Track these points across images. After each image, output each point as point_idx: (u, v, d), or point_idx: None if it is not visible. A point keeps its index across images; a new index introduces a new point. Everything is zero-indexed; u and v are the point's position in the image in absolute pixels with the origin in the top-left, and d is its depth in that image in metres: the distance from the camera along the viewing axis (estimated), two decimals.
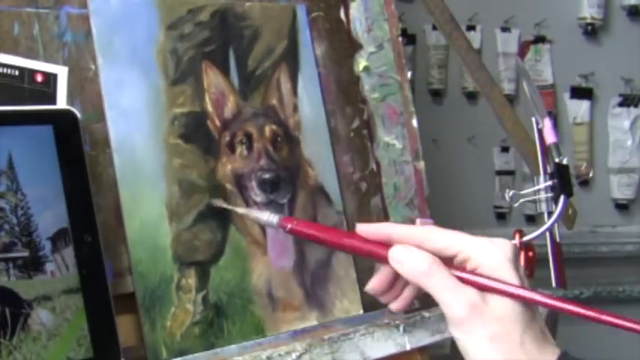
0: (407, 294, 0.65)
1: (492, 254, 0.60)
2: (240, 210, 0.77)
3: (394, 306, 0.66)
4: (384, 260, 0.62)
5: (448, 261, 0.61)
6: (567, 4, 1.99)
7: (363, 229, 0.64)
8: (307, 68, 0.89)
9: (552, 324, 0.98)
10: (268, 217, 0.68)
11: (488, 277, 0.59)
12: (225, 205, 0.78)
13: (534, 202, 0.89)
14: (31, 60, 0.70)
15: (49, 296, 0.63)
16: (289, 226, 0.66)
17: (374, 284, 0.65)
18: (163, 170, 0.76)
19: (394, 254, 0.61)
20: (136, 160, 0.74)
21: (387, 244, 0.63)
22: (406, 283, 0.65)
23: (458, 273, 0.60)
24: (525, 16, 1.94)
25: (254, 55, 0.85)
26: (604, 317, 0.59)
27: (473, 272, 0.60)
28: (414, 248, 0.61)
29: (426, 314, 0.87)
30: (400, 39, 0.97)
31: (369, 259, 0.66)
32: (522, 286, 0.59)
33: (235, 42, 0.83)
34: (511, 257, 0.60)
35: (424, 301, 0.92)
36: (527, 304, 0.59)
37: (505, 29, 1.93)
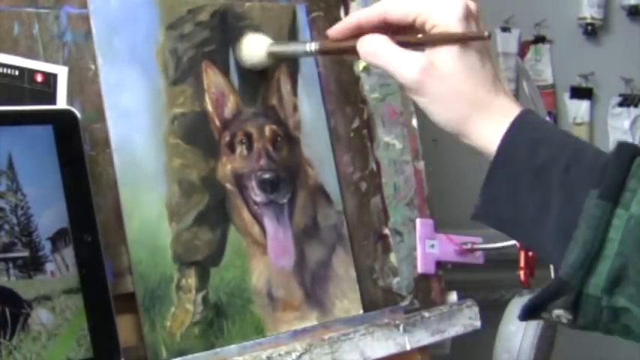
0: None
1: (443, 13, 0.62)
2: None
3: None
4: (352, 50, 0.67)
5: (410, 29, 0.65)
6: (567, 4, 1.99)
7: (335, 29, 0.70)
8: (307, 68, 0.89)
9: (552, 325, 0.98)
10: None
11: (433, 34, 0.63)
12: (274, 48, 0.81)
13: None
14: (31, 60, 0.70)
15: (49, 296, 0.63)
16: None
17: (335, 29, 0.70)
18: (163, 170, 0.76)
19: (359, 46, 0.66)
20: (136, 160, 0.74)
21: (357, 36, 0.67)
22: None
23: (398, 38, 0.64)
24: (525, 16, 1.93)
25: None
26: None
27: (418, 33, 0.64)
28: (370, 35, 0.65)
29: (426, 314, 0.88)
30: None
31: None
32: (456, 34, 0.62)
33: (235, 42, 0.83)
34: (460, 14, 0.62)
35: (424, 300, 0.92)
36: (473, 52, 0.62)
37: (505, 29, 1.93)
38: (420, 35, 0.64)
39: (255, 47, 0.82)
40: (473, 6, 0.63)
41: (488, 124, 0.62)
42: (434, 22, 0.62)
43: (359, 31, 0.67)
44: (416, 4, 0.64)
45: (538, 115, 0.63)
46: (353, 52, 0.67)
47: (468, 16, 0.62)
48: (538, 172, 0.58)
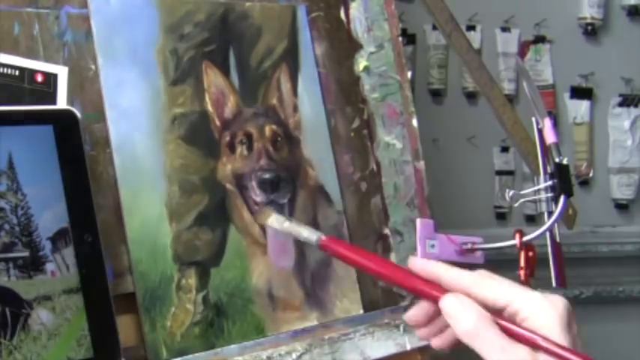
0: (451, 332, 0.60)
1: (543, 311, 0.56)
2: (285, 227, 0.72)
3: (436, 343, 0.62)
4: (434, 302, 0.59)
5: (497, 312, 0.57)
6: (567, 4, 1.99)
7: (415, 263, 0.61)
8: (307, 68, 0.89)
9: None
10: (309, 234, 0.67)
11: (542, 336, 0.55)
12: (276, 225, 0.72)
13: (534, 202, 0.89)
14: (31, 60, 0.70)
15: (49, 296, 0.63)
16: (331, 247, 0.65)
17: (412, 315, 0.62)
18: (163, 170, 0.76)
19: (445, 305, 0.58)
20: (136, 160, 0.74)
21: (436, 284, 0.59)
22: None
23: (509, 325, 0.56)
24: (525, 16, 1.93)
25: (254, 55, 0.85)
26: None
27: (525, 328, 0.56)
28: (466, 301, 0.57)
29: None
30: (400, 39, 0.97)
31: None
32: (572, 351, 0.55)
33: (235, 42, 0.83)
34: (564, 316, 0.56)
35: None
36: None
37: (505, 29, 1.93)
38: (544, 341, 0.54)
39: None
40: (571, 308, 0.57)
41: None
42: (528, 316, 0.56)
43: (436, 281, 0.60)
44: (511, 291, 0.57)
45: None
46: (431, 298, 0.59)
47: (571, 319, 0.56)
48: None
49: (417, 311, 0.61)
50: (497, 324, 0.56)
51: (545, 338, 0.55)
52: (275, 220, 0.72)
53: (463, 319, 0.56)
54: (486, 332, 0.55)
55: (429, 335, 0.62)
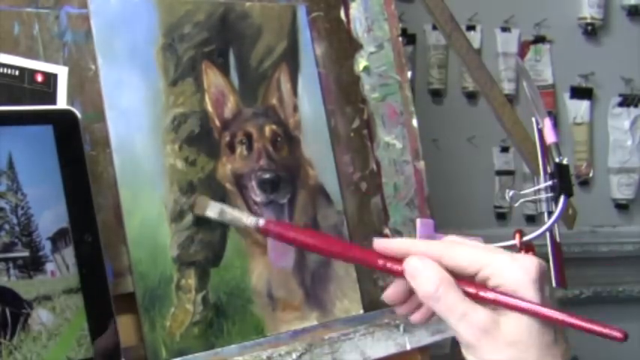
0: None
1: (513, 273, 0.55)
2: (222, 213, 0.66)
3: (414, 317, 0.62)
4: (400, 275, 0.59)
5: (469, 279, 0.57)
6: (567, 4, 1.99)
7: (381, 244, 0.60)
8: (307, 68, 0.89)
9: None
10: (247, 220, 0.63)
11: (504, 294, 0.55)
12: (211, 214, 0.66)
13: (534, 202, 0.89)
14: (31, 60, 0.70)
15: (49, 296, 0.63)
16: (271, 229, 0.61)
17: (390, 293, 0.61)
18: (163, 170, 0.76)
19: (407, 267, 0.58)
20: (136, 160, 0.74)
21: (401, 260, 0.59)
22: None
23: (468, 289, 0.56)
24: (525, 16, 1.93)
25: (254, 55, 0.85)
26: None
27: (485, 288, 0.56)
28: (428, 263, 0.57)
29: None
30: (400, 39, 0.97)
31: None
32: (540, 304, 0.55)
33: (235, 42, 0.83)
34: (535, 277, 0.55)
35: None
36: (548, 327, 0.55)
37: (505, 29, 1.93)
38: (508, 298, 0.55)
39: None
40: (545, 268, 0.57)
41: None
42: (500, 281, 0.55)
43: (404, 258, 0.59)
44: (481, 256, 0.56)
45: None
46: (394, 271, 0.59)
47: (542, 280, 0.55)
48: None
49: (394, 289, 0.61)
50: (461, 288, 0.56)
51: (507, 295, 0.55)
52: (211, 210, 0.65)
53: (425, 281, 0.57)
54: (447, 295, 0.56)
55: (409, 311, 0.62)
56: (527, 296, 0.55)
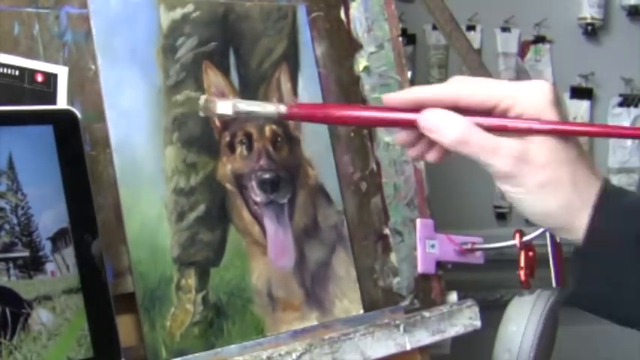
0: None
1: (533, 98, 0.56)
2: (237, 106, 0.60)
3: (430, 156, 0.62)
4: (414, 126, 0.59)
5: (486, 113, 0.58)
6: (567, 4, 1.99)
7: (390, 97, 0.59)
8: (307, 68, 0.89)
9: (552, 325, 0.98)
10: (270, 108, 0.59)
11: (523, 119, 0.56)
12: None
13: None
14: (31, 60, 0.70)
15: (50, 296, 0.63)
16: (293, 110, 0.59)
17: (401, 136, 0.61)
18: (163, 170, 0.76)
19: (424, 122, 0.58)
20: (136, 160, 0.74)
21: (414, 110, 0.58)
22: None
23: (495, 122, 0.57)
24: (525, 16, 1.93)
25: (254, 55, 0.85)
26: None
27: (503, 117, 0.57)
28: (443, 113, 0.57)
29: (426, 314, 0.87)
30: (400, 39, 0.97)
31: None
32: (558, 122, 0.56)
33: (235, 42, 0.83)
34: (552, 98, 0.57)
35: (424, 300, 0.92)
36: (572, 142, 0.57)
37: (505, 29, 1.93)
38: (526, 122, 0.56)
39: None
40: (554, 87, 0.58)
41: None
42: (522, 109, 0.56)
43: (417, 107, 0.58)
44: (498, 89, 0.57)
45: (619, 187, 0.59)
46: (408, 123, 0.59)
47: (557, 99, 0.57)
48: (638, 241, 0.55)
49: (406, 132, 0.61)
50: (479, 124, 0.57)
51: (533, 119, 0.56)
52: (222, 108, 0.59)
53: (447, 130, 0.57)
54: (473, 136, 0.56)
55: (423, 153, 0.62)
56: (551, 118, 0.56)
